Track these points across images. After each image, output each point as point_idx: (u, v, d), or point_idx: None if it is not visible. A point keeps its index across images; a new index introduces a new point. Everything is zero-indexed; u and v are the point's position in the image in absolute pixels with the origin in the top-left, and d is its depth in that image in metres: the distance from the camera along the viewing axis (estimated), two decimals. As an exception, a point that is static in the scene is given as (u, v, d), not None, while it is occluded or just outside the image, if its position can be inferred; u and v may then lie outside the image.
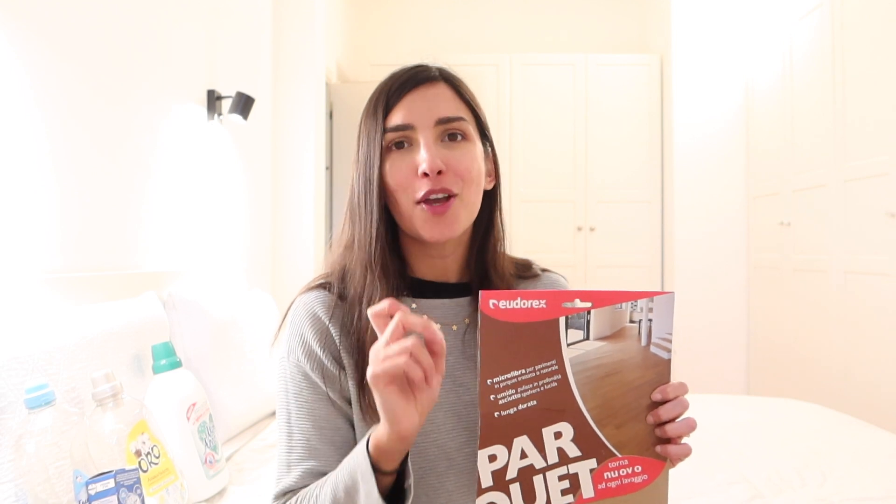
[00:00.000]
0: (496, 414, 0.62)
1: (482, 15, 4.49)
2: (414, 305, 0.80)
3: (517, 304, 0.62)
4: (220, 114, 2.30)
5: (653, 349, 0.65)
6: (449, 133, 0.75)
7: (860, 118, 2.58)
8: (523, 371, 0.62)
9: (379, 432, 0.63)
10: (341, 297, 0.78)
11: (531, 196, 4.00)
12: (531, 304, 0.62)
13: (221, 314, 1.72)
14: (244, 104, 2.27)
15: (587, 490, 0.64)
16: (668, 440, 0.65)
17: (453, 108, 0.76)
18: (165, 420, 1.22)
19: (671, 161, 3.77)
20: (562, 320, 0.62)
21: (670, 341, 0.65)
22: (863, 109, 2.57)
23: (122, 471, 0.88)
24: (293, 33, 3.02)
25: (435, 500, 0.76)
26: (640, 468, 0.65)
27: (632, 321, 0.64)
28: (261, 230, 2.81)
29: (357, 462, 0.65)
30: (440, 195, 0.73)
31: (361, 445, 0.66)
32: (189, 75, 2.11)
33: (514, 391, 0.62)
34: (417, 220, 0.74)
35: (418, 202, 0.73)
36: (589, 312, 0.63)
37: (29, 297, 1.29)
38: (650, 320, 0.64)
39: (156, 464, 1.01)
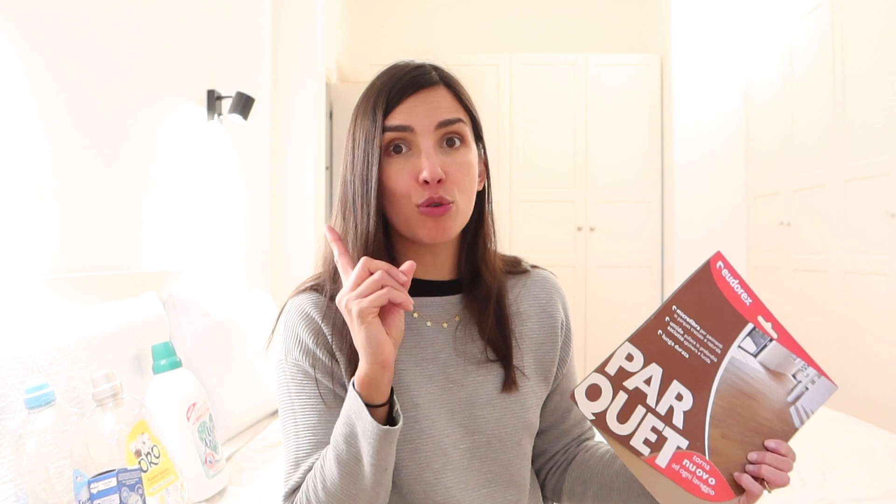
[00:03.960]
0: (659, 331, 0.67)
1: (482, 15, 4.49)
2: None
3: (734, 283, 0.68)
4: (220, 114, 2.30)
5: (792, 410, 0.68)
6: (448, 138, 0.76)
7: (860, 118, 2.58)
8: (699, 328, 0.67)
9: (363, 370, 0.67)
10: (332, 298, 0.79)
11: (531, 196, 4.00)
12: (742, 293, 0.68)
13: (221, 314, 1.72)
14: (244, 104, 2.27)
15: (663, 459, 0.66)
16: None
17: (452, 111, 0.76)
18: (165, 420, 1.22)
19: (671, 161, 3.77)
20: (749, 326, 0.68)
21: (808, 417, 0.69)
22: (863, 109, 2.57)
23: (124, 470, 0.88)
24: (293, 33, 3.02)
25: (433, 497, 0.76)
26: (713, 481, 0.67)
27: (794, 377, 0.68)
28: (261, 230, 2.81)
29: (349, 406, 0.69)
30: (438, 204, 0.74)
31: (349, 391, 0.69)
32: (189, 75, 2.11)
33: (682, 332, 0.67)
34: (415, 222, 0.75)
35: (416, 206, 0.74)
36: (771, 340, 0.68)
37: (29, 297, 1.29)
38: (806, 388, 0.68)
39: (156, 464, 1.01)
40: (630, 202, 3.98)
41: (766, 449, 0.68)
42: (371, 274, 0.66)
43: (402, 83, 0.76)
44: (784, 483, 0.67)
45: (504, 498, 0.80)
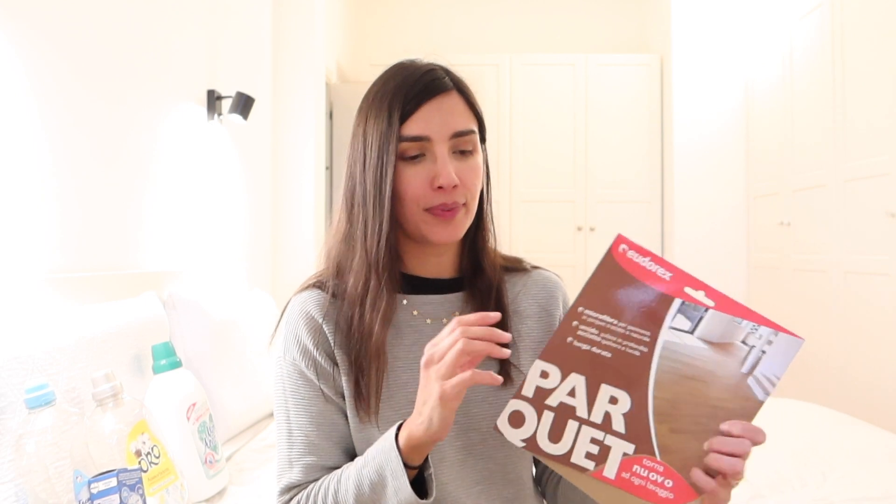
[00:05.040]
0: (569, 339, 0.61)
1: (482, 15, 4.49)
2: (405, 301, 0.81)
3: (644, 261, 0.61)
4: (220, 114, 2.30)
5: (750, 381, 0.60)
6: (460, 146, 0.78)
7: (860, 118, 2.58)
8: (616, 322, 0.61)
9: (415, 434, 0.66)
10: (335, 294, 0.80)
11: (531, 196, 4.00)
12: (658, 269, 0.61)
13: (221, 314, 1.72)
14: (244, 104, 2.27)
15: (610, 470, 0.61)
16: (713, 475, 0.60)
17: (465, 120, 0.78)
18: (165, 420, 1.22)
19: (671, 161, 3.77)
20: (677, 301, 0.60)
21: (774, 385, 0.60)
22: (863, 109, 2.57)
23: (125, 470, 0.88)
24: (293, 33, 3.01)
25: None
26: (670, 483, 0.60)
27: (744, 342, 0.60)
28: (261, 230, 2.81)
29: (386, 459, 0.68)
30: (450, 207, 0.76)
31: (389, 443, 0.68)
32: (189, 75, 2.11)
33: (596, 332, 0.61)
34: (424, 224, 0.77)
35: (427, 209, 0.76)
36: (706, 310, 0.60)
37: (29, 296, 1.29)
38: (763, 352, 0.60)
39: (156, 464, 1.01)
40: (630, 202, 3.97)
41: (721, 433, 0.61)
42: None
43: (418, 88, 0.76)
44: (734, 470, 0.59)
45: (499, 494, 0.80)
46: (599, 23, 4.47)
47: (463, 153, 0.78)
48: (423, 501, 0.67)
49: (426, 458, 0.70)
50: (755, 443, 0.60)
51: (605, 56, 4.03)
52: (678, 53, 3.71)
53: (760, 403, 0.60)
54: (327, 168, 3.48)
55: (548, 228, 3.98)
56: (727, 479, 0.60)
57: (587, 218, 3.98)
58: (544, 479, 0.89)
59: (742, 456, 0.59)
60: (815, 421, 1.82)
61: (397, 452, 0.67)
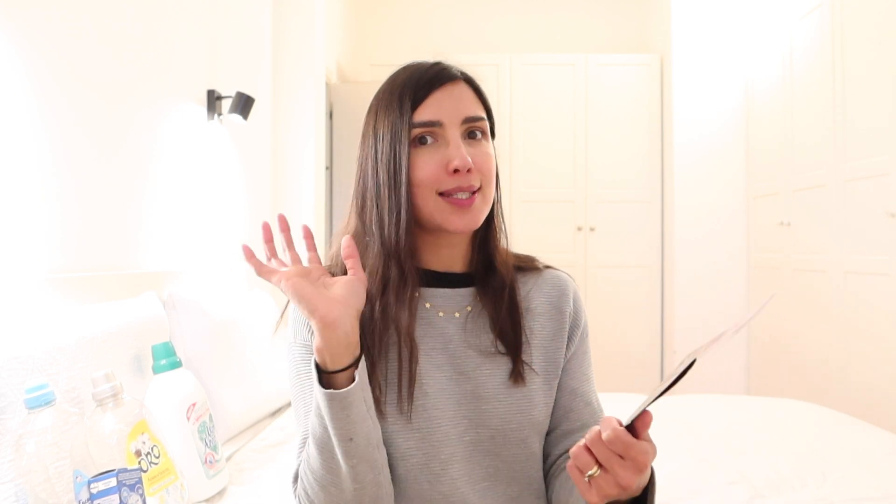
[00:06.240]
0: None
1: (482, 15, 4.49)
2: (417, 293, 0.81)
3: None
4: (220, 114, 2.30)
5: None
6: (471, 131, 0.79)
7: (860, 118, 2.58)
8: None
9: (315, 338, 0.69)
10: None
11: (531, 196, 4.00)
12: None
13: (221, 314, 1.72)
14: (244, 104, 2.27)
15: None
16: None
17: (475, 107, 0.80)
18: (165, 420, 1.22)
19: (671, 161, 3.77)
20: None
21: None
22: (863, 109, 2.57)
23: (124, 470, 0.88)
24: (293, 33, 3.01)
25: (438, 487, 0.77)
26: None
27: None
28: (261, 230, 2.80)
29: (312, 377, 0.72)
30: (466, 193, 0.77)
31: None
32: (189, 75, 2.11)
33: None
34: (441, 212, 0.77)
35: (442, 195, 0.76)
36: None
37: (29, 296, 1.29)
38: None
39: (156, 464, 1.01)
40: (630, 202, 3.97)
41: None
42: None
43: (428, 77, 0.78)
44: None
45: (504, 493, 0.80)
46: (599, 23, 4.47)
47: (475, 139, 0.79)
48: (331, 391, 0.67)
49: (357, 364, 0.70)
50: None
51: (605, 56, 4.03)
52: (678, 53, 3.71)
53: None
54: (327, 168, 3.48)
55: (548, 228, 3.98)
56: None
57: (587, 218, 3.98)
58: (550, 474, 0.86)
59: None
60: (815, 421, 1.81)
61: (312, 364, 0.70)
